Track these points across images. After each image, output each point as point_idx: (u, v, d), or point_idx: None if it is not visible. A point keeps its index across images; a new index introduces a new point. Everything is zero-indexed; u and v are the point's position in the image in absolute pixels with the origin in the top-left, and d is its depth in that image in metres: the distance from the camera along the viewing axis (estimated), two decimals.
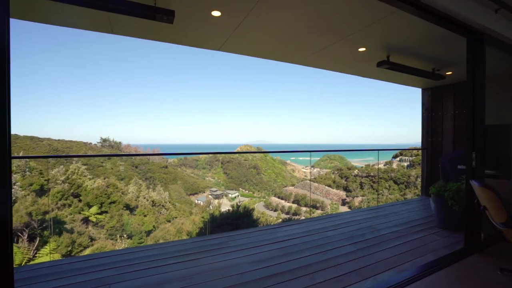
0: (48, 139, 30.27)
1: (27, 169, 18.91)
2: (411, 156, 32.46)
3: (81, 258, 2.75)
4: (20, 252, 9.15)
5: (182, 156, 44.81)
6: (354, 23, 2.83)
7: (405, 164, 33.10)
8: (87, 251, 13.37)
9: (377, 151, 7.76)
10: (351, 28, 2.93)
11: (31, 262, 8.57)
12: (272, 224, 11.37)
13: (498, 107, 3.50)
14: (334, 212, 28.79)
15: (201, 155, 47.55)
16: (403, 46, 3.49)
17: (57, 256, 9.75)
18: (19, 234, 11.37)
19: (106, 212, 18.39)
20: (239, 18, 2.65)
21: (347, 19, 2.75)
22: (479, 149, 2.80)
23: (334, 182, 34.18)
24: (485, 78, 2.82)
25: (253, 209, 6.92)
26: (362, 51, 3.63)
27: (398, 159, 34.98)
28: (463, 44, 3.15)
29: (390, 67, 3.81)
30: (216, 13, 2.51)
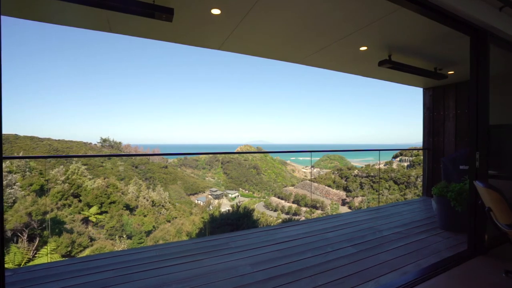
0: (48, 139, 30.23)
1: (27, 169, 18.88)
2: (411, 156, 32.42)
3: (79, 259, 2.71)
4: (20, 253, 9.11)
5: (182, 156, 44.76)
6: (356, 21, 2.79)
7: (405, 164, 33.07)
8: (86, 252, 13.34)
9: (377, 151, 7.72)
10: (352, 26, 2.89)
11: (30, 263, 8.53)
12: (272, 225, 11.33)
13: (500, 107, 3.46)
14: (334, 212, 28.77)
15: (201, 155, 47.52)
16: (405, 45, 3.45)
17: (56, 257, 9.72)
18: (19, 234, 11.34)
19: (106, 212, 18.36)
20: (239, 17, 2.61)
21: (349, 18, 2.71)
22: (483, 149, 2.76)
23: (334, 182, 34.15)
24: (489, 77, 2.78)
25: (253, 210, 6.87)
26: (364, 50, 3.59)
27: (398, 159, 34.96)
28: (465, 43, 3.11)
29: (392, 66, 3.77)
30: (215, 11, 2.47)
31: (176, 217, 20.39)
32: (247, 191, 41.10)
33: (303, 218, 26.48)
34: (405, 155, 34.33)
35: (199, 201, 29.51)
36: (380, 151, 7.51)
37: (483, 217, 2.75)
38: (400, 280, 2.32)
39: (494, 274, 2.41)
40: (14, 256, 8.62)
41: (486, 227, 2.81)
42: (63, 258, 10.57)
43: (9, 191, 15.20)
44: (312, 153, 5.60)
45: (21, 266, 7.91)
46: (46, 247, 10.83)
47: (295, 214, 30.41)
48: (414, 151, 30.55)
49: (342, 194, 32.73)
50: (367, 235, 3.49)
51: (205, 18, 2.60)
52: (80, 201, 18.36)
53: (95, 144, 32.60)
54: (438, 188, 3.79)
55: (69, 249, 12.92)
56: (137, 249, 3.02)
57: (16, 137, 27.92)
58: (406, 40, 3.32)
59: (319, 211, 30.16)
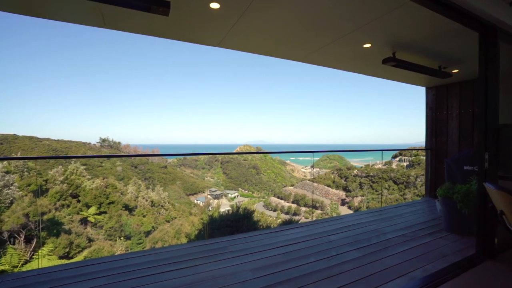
0: (47, 139, 30.02)
1: (25, 170, 18.72)
2: (411, 156, 32.38)
3: (72, 265, 2.60)
4: (17, 254, 8.98)
5: (182, 156, 44.66)
6: (361, 17, 2.68)
7: (405, 164, 33.04)
8: (84, 253, 13.22)
9: (377, 151, 7.61)
10: (357, 22, 2.78)
11: (24, 268, 8.37)
12: (272, 226, 11.22)
13: (507, 106, 3.36)
14: (333, 212, 28.68)
15: (200, 155, 47.39)
16: (410, 41, 3.35)
17: (53, 259, 9.58)
18: (16, 235, 11.21)
19: (105, 212, 18.22)
20: (239, 11, 2.50)
21: (354, 13, 2.60)
22: (492, 149, 2.66)
23: (333, 182, 34.13)
24: (498, 75, 2.68)
25: (253, 211, 6.77)
26: (367, 48, 3.48)
27: (397, 159, 34.95)
28: (472, 40, 3.02)
29: (396, 64, 3.67)
30: (214, 5, 2.36)
31: (175, 217, 20.27)
32: (246, 191, 41.00)
33: (302, 218, 26.41)
34: (404, 155, 34.31)
35: (198, 201, 29.40)
36: (380, 151, 7.37)
37: (492, 220, 2.65)
38: (408, 286, 2.21)
39: (506, 280, 2.31)
40: (11, 258, 8.49)
41: (496, 230, 2.71)
42: (60, 260, 10.43)
43: (7, 191, 15.04)
44: (309, 153, 5.48)
45: (16, 270, 7.77)
46: (43, 248, 10.67)
47: (294, 214, 30.32)
48: (414, 151, 30.52)
49: (342, 194, 32.70)
50: (371, 238, 3.39)
51: (204, 13, 2.49)
52: (79, 201, 18.22)
53: (94, 144, 32.44)
54: (444, 189, 3.68)
55: (67, 250, 12.79)
56: (134, 254, 2.91)
57: (15, 137, 27.74)
58: (411, 37, 3.22)
59: (318, 211, 30.11)
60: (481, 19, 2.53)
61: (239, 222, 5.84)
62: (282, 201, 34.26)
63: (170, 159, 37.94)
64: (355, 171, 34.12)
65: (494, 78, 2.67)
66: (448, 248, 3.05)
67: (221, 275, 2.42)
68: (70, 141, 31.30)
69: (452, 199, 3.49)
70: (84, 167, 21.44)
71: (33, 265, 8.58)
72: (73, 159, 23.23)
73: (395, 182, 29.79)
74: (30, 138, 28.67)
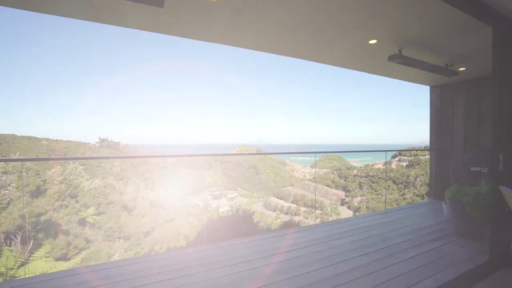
0: (46, 139, 29.79)
1: (23, 170, 18.55)
2: (410, 156, 32.22)
3: (59, 274, 2.44)
4: (13, 256, 8.82)
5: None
6: (368, 10, 2.53)
7: (404, 164, 32.91)
8: (82, 254, 13.06)
9: (380, 152, 7.46)
10: (363, 16, 2.63)
11: (20, 270, 8.18)
12: (273, 228, 11.05)
13: None
14: (333, 212, 28.54)
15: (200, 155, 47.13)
16: (417, 37, 3.19)
17: (50, 260, 9.41)
18: (12, 237, 11.03)
19: (103, 213, 18.05)
20: (238, 4, 2.35)
21: (359, 6, 2.45)
22: (508, 150, 2.51)
23: (333, 182, 34.00)
24: None
25: (253, 213, 6.62)
26: (373, 44, 3.33)
27: (397, 159, 34.84)
28: (481, 35, 2.89)
29: (403, 62, 3.52)
30: None
31: (175, 218, 20.11)
32: (246, 191, 40.82)
33: (302, 218, 26.26)
34: (404, 155, 34.18)
35: (197, 202, 29.24)
36: (379, 151, 7.21)
37: (507, 225, 2.51)
38: None
39: None
40: (7, 260, 8.32)
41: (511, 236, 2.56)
42: (58, 263, 10.25)
43: (4, 192, 14.87)
44: (310, 153, 5.32)
45: (11, 272, 7.60)
46: (41, 249, 10.48)
47: (294, 214, 30.17)
48: (413, 151, 30.37)
49: (341, 194, 32.58)
50: (378, 243, 3.24)
51: (201, 5, 2.33)
52: (77, 201, 18.05)
53: (93, 144, 32.21)
54: (452, 191, 3.53)
55: (64, 251, 12.63)
56: (125, 261, 2.75)
57: (13, 137, 27.52)
58: (419, 32, 3.07)
59: (318, 211, 29.97)
60: (496, 12, 2.38)
61: (238, 224, 5.71)
62: (282, 201, 34.09)
63: (170, 159, 37.73)
64: (355, 171, 34.03)
65: (509, 75, 2.52)
66: (459, 254, 2.90)
67: (219, 285, 2.27)
68: (69, 141, 31.08)
69: (461, 202, 3.34)
70: (83, 167, 21.26)
71: (30, 268, 8.42)
72: (71, 160, 23.05)
73: (394, 182, 29.67)
74: (29, 138, 28.46)
